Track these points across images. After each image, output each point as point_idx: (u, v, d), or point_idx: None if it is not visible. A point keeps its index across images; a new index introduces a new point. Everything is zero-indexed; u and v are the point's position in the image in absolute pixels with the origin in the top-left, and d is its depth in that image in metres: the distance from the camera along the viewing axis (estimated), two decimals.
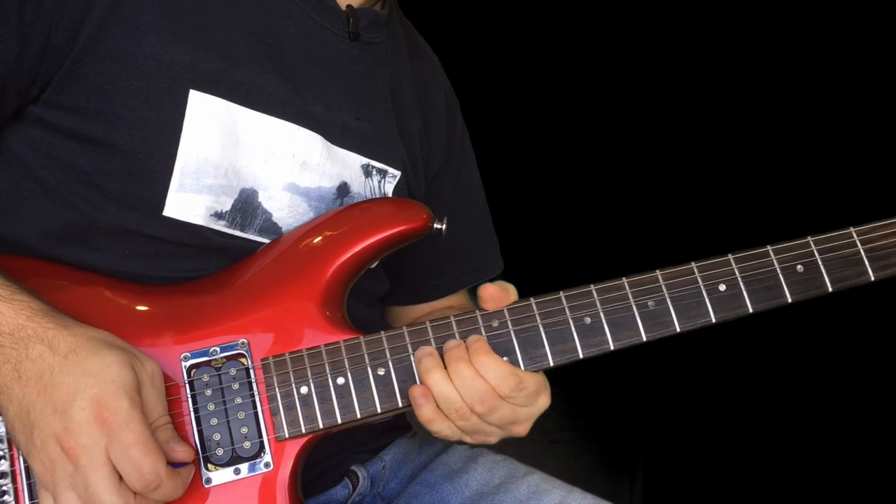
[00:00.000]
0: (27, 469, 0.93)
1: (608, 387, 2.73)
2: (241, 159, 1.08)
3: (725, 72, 2.59)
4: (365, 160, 1.19)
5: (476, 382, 0.96)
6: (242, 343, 1.00)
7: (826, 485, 2.40)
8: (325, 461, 1.17)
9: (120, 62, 1.01)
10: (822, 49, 2.38)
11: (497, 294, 1.03)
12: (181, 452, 0.92)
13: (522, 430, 1.02)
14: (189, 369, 0.98)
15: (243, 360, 1.00)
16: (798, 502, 2.48)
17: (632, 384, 2.77)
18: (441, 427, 0.98)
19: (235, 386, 0.98)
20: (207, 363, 0.99)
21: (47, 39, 0.99)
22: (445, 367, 0.97)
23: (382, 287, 1.32)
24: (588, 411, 2.81)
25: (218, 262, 1.08)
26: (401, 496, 1.29)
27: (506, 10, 2.88)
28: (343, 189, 1.17)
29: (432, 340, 1.01)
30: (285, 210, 1.12)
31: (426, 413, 0.98)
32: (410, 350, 1.00)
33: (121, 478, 0.86)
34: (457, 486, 1.26)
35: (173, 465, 0.91)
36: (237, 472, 0.96)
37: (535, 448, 1.07)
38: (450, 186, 1.38)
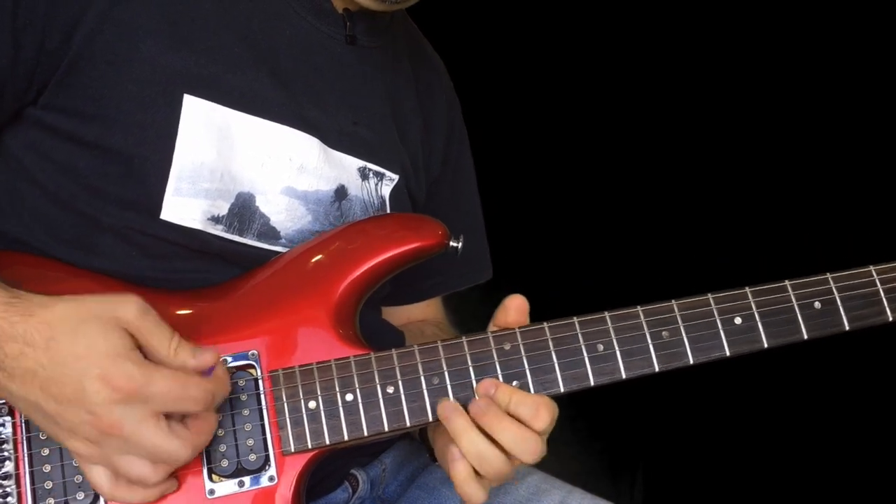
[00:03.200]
0: (31, 473, 0.93)
1: (608, 387, 2.72)
2: (238, 163, 1.07)
3: (734, 78, 2.57)
4: (362, 163, 1.18)
5: (513, 427, 0.96)
6: (252, 354, 0.99)
7: (826, 485, 2.40)
8: (324, 465, 1.16)
9: (115, 66, 1.01)
10: (837, 56, 2.35)
11: (524, 308, 1.03)
12: (208, 357, 0.89)
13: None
14: None
15: (252, 371, 0.99)
16: (798, 502, 2.48)
17: (632, 384, 2.77)
18: (475, 491, 0.97)
19: (244, 397, 0.98)
20: None
21: (41, 43, 0.98)
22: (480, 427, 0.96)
23: (384, 289, 1.31)
24: (588, 411, 2.81)
25: (222, 266, 1.08)
26: (400, 499, 1.29)
27: (510, 12, 2.85)
28: (340, 192, 1.16)
29: (443, 361, 1.00)
30: (283, 214, 1.11)
31: (460, 471, 0.97)
32: (421, 371, 1.00)
33: (167, 419, 0.86)
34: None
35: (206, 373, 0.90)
36: (241, 484, 0.96)
37: None
38: (446, 191, 1.38)
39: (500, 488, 1.24)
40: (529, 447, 0.95)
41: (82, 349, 0.84)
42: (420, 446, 1.35)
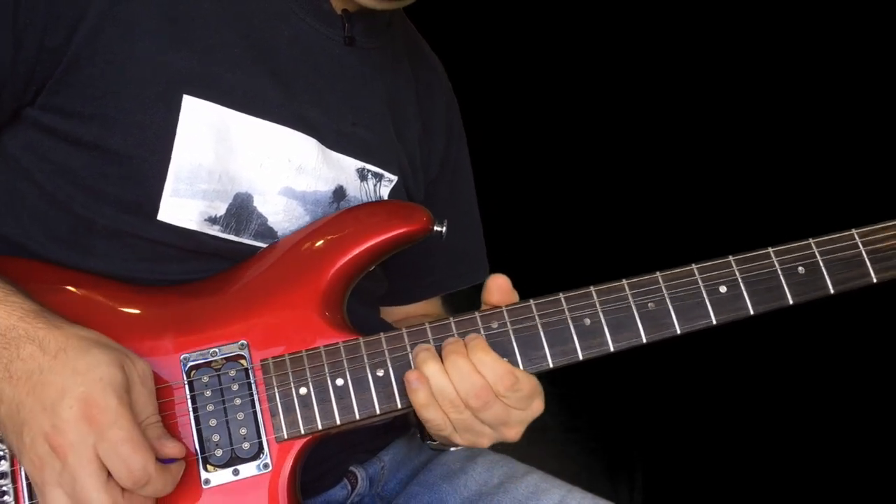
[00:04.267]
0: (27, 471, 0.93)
1: (608, 386, 2.72)
2: (236, 164, 1.08)
3: (724, 73, 2.57)
4: (360, 164, 1.19)
5: (472, 377, 0.95)
6: (242, 345, 1.00)
7: (826, 485, 2.39)
8: (323, 462, 1.17)
9: (114, 65, 1.01)
10: (820, 47, 2.36)
11: (506, 286, 1.03)
12: (171, 448, 0.92)
13: (514, 434, 1.00)
14: (189, 370, 0.98)
15: (243, 361, 1.00)
16: (798, 502, 2.47)
17: (632, 384, 2.76)
18: (434, 415, 0.97)
19: (235, 387, 0.99)
20: (207, 364, 0.99)
21: (41, 42, 0.99)
22: (442, 362, 0.97)
23: (381, 287, 1.32)
24: (588, 411, 2.80)
25: (218, 266, 1.09)
26: (399, 496, 1.29)
27: (507, 12, 2.88)
28: (339, 193, 1.17)
29: (431, 341, 1.01)
30: (281, 214, 1.12)
31: (420, 397, 0.96)
32: (409, 351, 1.00)
33: (109, 475, 0.86)
34: (456, 487, 1.26)
35: (164, 461, 0.91)
36: (236, 472, 0.96)
37: (535, 447, 1.07)
38: (444, 191, 1.38)
39: (499, 487, 1.25)
40: (473, 389, 0.95)
41: (83, 367, 0.88)
42: (419, 444, 1.35)
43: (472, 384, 0.95)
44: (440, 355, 0.97)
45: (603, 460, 2.89)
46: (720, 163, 2.63)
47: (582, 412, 2.73)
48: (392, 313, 1.43)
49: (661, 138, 2.77)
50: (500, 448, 1.14)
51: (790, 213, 2.35)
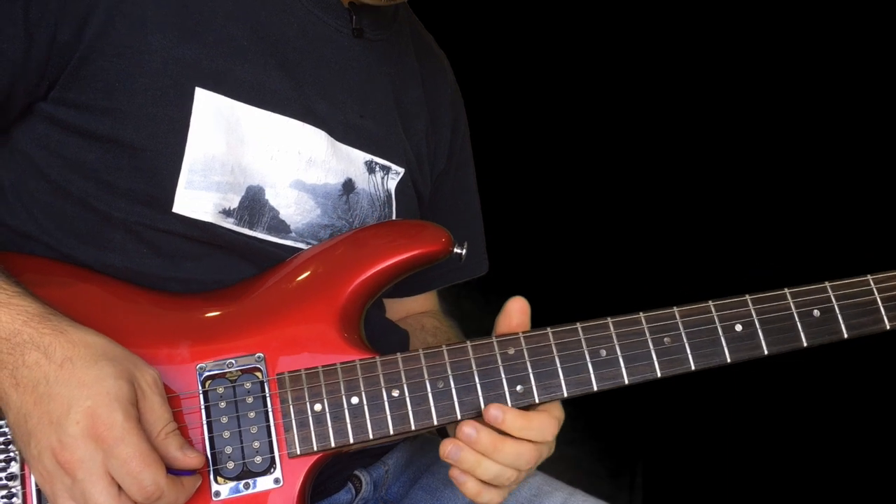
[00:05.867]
0: None
1: (609, 389, 2.72)
2: (248, 156, 1.08)
3: (750, 84, 2.57)
4: (368, 156, 1.19)
5: (521, 448, 0.99)
6: (259, 357, 1.00)
7: (826, 485, 2.41)
8: (328, 466, 1.16)
9: (126, 59, 1.01)
10: (840, 58, 2.37)
11: (526, 309, 1.04)
12: (193, 459, 0.92)
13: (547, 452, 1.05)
14: (204, 380, 0.98)
15: (258, 374, 1.00)
16: (798, 502, 2.49)
17: (633, 387, 2.77)
18: (493, 497, 1.01)
19: (249, 400, 0.98)
20: (223, 375, 0.99)
21: (53, 37, 0.99)
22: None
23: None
24: (588, 412, 2.81)
25: (233, 262, 1.09)
26: (403, 500, 1.30)
27: (511, 10, 2.87)
28: (348, 185, 1.17)
29: (448, 366, 1.01)
30: (292, 207, 1.12)
31: (471, 489, 1.00)
32: (426, 374, 1.00)
33: (120, 488, 0.86)
34: (458, 490, 1.26)
35: (178, 472, 0.91)
36: (247, 486, 0.96)
37: None
38: (449, 184, 1.39)
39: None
40: (525, 459, 0.99)
41: (90, 379, 0.87)
42: (423, 446, 1.35)
43: (521, 455, 0.99)
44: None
45: (603, 462, 2.90)
46: (728, 170, 2.64)
47: (583, 413, 2.74)
48: (392, 310, 1.43)
49: (680, 148, 2.77)
50: None
51: (804, 224, 2.35)
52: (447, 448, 0.98)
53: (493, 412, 0.98)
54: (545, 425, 0.99)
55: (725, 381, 2.60)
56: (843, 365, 2.34)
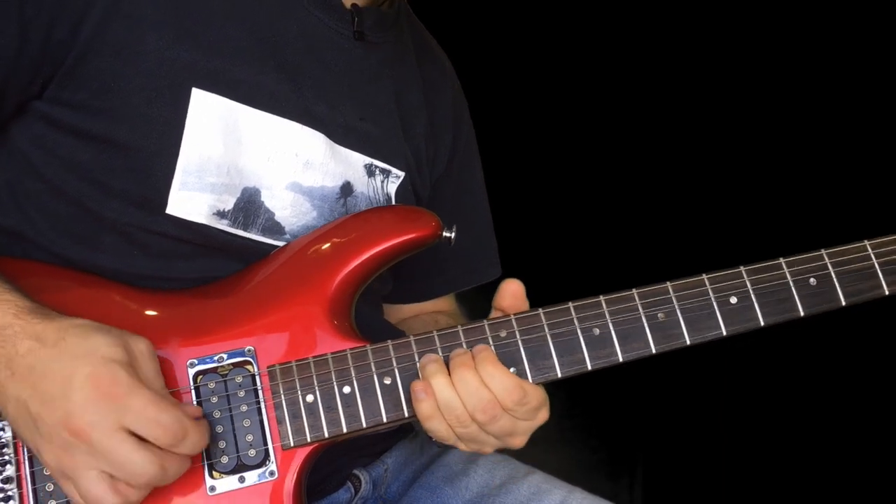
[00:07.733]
0: (32, 474, 0.93)
1: (608, 386, 2.72)
2: (244, 158, 1.07)
3: (740, 77, 2.57)
4: (368, 160, 1.18)
5: (480, 391, 0.94)
6: (249, 350, 1.00)
7: (826, 485, 2.39)
8: (327, 465, 1.16)
9: (121, 58, 1.01)
10: (837, 53, 2.35)
11: (520, 292, 1.02)
12: (192, 408, 0.93)
13: (519, 442, 1.00)
14: (195, 376, 0.98)
15: (249, 367, 0.99)
16: (797, 501, 2.47)
17: (632, 384, 2.76)
18: (438, 427, 0.96)
19: (241, 393, 0.98)
20: (214, 370, 0.99)
21: (48, 36, 0.99)
22: (450, 374, 0.96)
23: (386, 287, 1.31)
24: (588, 411, 2.81)
25: (225, 263, 1.08)
26: (402, 499, 1.29)
27: (514, 11, 2.86)
28: (346, 188, 1.16)
29: (439, 349, 1.00)
30: (288, 209, 1.11)
31: (425, 409, 0.95)
32: (417, 359, 0.99)
33: (141, 438, 0.86)
34: (457, 489, 1.26)
35: None
36: (242, 480, 0.96)
37: (536, 448, 1.07)
38: (452, 188, 1.37)
39: (500, 488, 1.25)
40: (481, 404, 0.94)
41: (83, 351, 0.87)
42: (422, 445, 1.35)
43: (480, 399, 0.94)
44: (448, 366, 0.97)
45: (603, 461, 2.89)
46: (732, 165, 2.62)
47: (583, 412, 2.73)
48: (403, 310, 1.42)
49: (674, 141, 2.76)
50: (501, 449, 1.14)
51: (802, 219, 2.34)
52: (427, 356, 0.98)
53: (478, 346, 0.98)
54: (511, 386, 0.95)
55: (726, 381, 2.60)
56: (843, 365, 2.33)
